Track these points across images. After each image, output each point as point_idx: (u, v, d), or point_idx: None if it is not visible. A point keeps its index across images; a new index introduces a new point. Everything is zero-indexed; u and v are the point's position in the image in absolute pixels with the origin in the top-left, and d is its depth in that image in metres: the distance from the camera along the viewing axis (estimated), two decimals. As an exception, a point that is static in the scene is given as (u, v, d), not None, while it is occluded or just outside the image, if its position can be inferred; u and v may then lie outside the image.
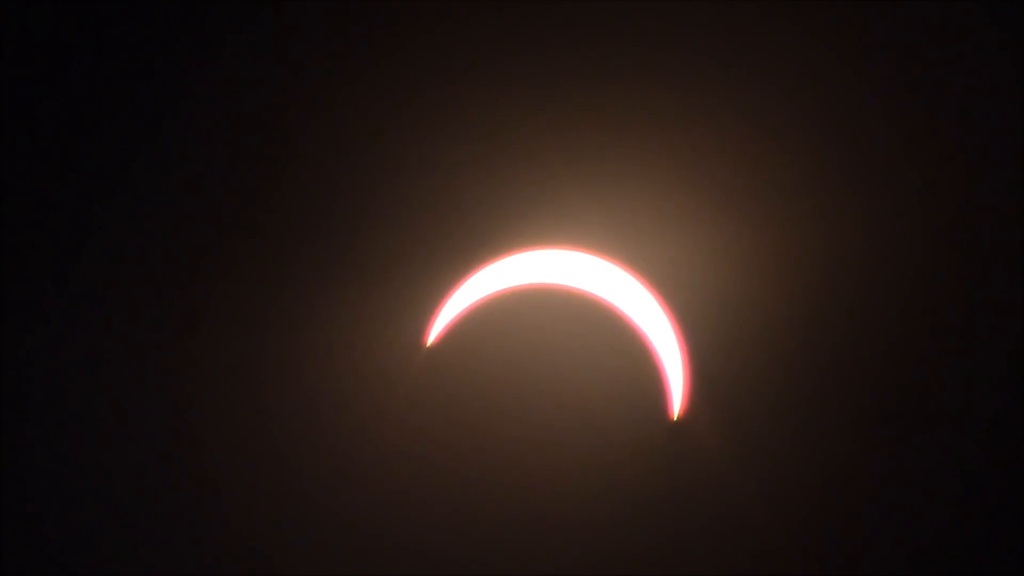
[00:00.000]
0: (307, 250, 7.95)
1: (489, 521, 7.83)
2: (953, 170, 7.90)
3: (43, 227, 7.99)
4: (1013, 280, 7.82)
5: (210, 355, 7.90)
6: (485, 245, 7.91)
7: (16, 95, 8.02)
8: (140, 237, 7.98)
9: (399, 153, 7.97)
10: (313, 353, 7.86)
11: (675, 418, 7.82)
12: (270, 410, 7.87)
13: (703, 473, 7.81)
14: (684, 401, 7.82)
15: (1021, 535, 7.73)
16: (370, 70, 8.00)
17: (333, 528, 7.85)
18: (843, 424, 7.84)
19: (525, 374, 7.84)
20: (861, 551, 7.79)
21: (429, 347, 7.83)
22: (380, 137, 7.99)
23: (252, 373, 7.88)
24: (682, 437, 7.81)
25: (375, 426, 7.84)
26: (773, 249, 7.87)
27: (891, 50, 7.92)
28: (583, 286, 7.86)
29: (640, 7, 7.95)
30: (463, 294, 7.85)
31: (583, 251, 7.90)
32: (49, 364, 7.92)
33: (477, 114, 7.98)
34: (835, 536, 7.79)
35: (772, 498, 7.80)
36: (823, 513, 7.80)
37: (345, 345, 7.86)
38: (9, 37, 8.01)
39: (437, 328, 7.83)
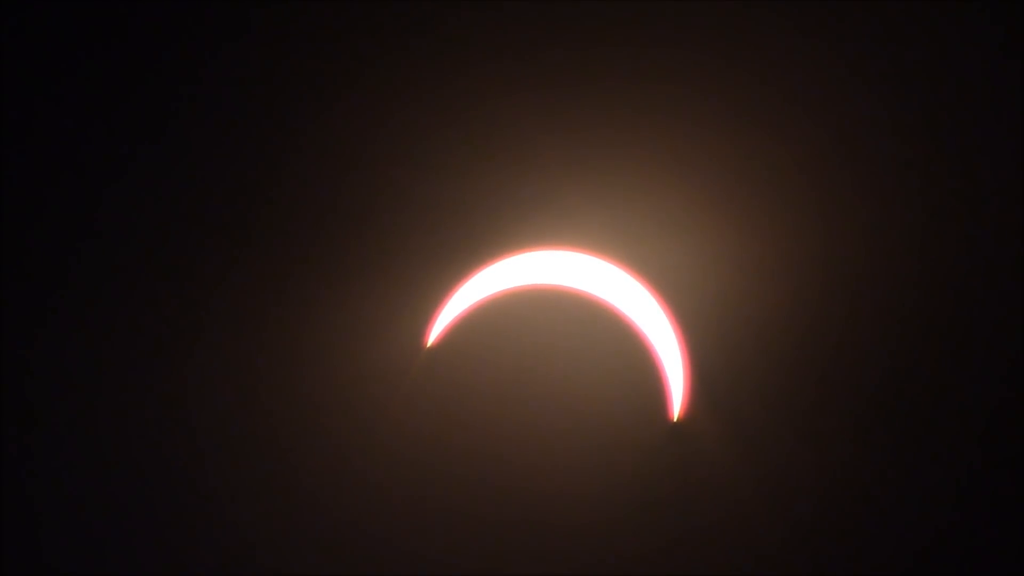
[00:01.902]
0: (307, 251, 7.95)
1: (489, 521, 7.83)
2: (953, 171, 7.92)
3: (44, 227, 7.98)
4: (1014, 281, 7.84)
5: (210, 355, 7.89)
6: (485, 246, 7.91)
7: (16, 95, 8.01)
8: (140, 238, 7.97)
9: (399, 154, 7.98)
10: (313, 353, 7.86)
11: (675, 419, 7.82)
12: (270, 410, 7.86)
13: (703, 473, 7.81)
14: (684, 402, 7.82)
15: (1021, 535, 7.74)
16: (371, 71, 8.00)
17: (333, 528, 7.84)
18: (843, 424, 7.85)
19: (525, 375, 7.84)
20: (861, 551, 7.79)
21: (429, 348, 7.83)
22: (380, 138, 7.99)
23: (252, 374, 7.87)
24: (682, 438, 7.81)
25: (375, 426, 7.83)
26: (773, 250, 7.88)
27: (891, 51, 7.94)
28: (583, 287, 7.86)
29: (641, 8, 7.96)
30: (463, 295, 7.85)
31: (583, 252, 7.90)
32: (49, 365, 7.90)
33: (477, 115, 7.98)
34: (835, 536, 7.80)
35: (772, 498, 7.80)
36: (823, 513, 7.80)
37: (345, 345, 7.85)
38: (9, 37, 8.01)
39: (437, 329, 7.83)
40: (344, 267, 7.93)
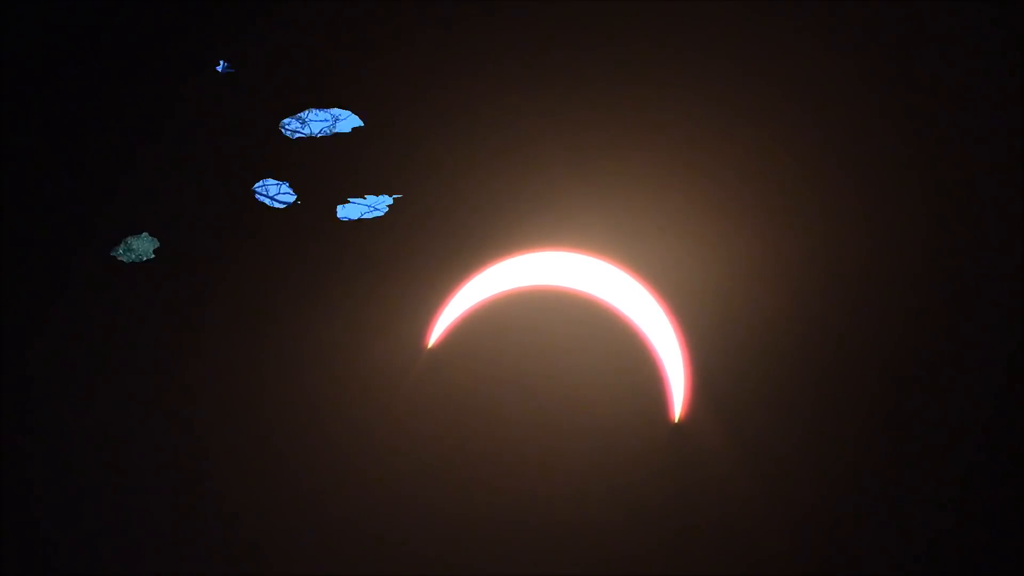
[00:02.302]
0: (309, 252, 7.95)
1: (489, 521, 7.83)
2: (954, 172, 7.93)
3: (45, 226, 7.98)
4: (1014, 282, 7.85)
5: (212, 356, 7.89)
6: (486, 247, 7.91)
7: (16, 95, 8.01)
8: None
9: (400, 156, 7.97)
10: (315, 354, 7.86)
11: (676, 419, 7.82)
12: (271, 411, 7.87)
13: (704, 474, 7.82)
14: (685, 403, 7.83)
15: (1021, 536, 7.76)
16: (373, 72, 8.00)
17: (333, 527, 7.84)
18: (843, 425, 7.85)
19: (526, 376, 7.84)
20: (861, 552, 7.80)
21: (430, 348, 7.83)
22: (382, 140, 7.99)
23: (254, 374, 7.88)
24: (683, 438, 7.82)
25: (377, 427, 7.84)
26: (774, 251, 7.88)
27: (893, 51, 7.94)
28: (584, 288, 7.86)
29: (642, 9, 7.96)
30: (464, 296, 7.85)
31: (584, 253, 7.90)
32: (50, 364, 7.90)
33: (478, 116, 7.98)
34: (835, 537, 7.81)
35: (773, 498, 7.81)
36: (823, 513, 7.81)
37: (347, 346, 7.85)
38: (9, 37, 8.00)
39: (438, 330, 7.83)
40: (345, 268, 7.93)
